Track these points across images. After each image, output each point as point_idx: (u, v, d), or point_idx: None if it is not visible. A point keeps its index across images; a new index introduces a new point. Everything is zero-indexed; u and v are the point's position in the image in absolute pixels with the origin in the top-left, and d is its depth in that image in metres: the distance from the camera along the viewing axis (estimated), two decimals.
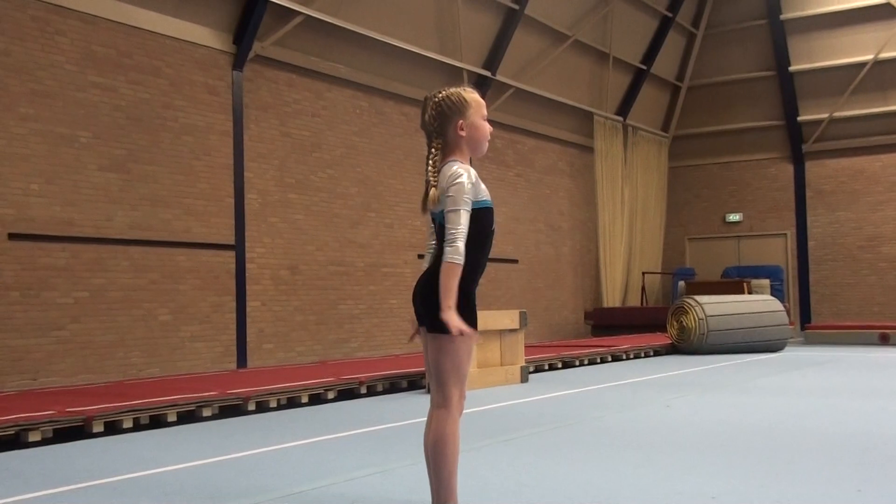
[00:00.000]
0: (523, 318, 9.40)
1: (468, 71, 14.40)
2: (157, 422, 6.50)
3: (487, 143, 3.49)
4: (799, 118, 19.35)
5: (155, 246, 9.53)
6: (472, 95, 3.39)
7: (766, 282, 17.38)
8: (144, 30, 9.61)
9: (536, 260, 16.61)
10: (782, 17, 19.24)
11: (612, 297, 18.24)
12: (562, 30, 16.32)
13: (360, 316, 12.35)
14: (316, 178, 11.76)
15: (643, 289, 19.17)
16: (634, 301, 18.94)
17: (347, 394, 8.15)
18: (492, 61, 14.90)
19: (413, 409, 7.23)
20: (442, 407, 3.29)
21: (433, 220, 3.46)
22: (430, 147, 3.38)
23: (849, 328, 15.90)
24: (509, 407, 7.34)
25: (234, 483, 4.37)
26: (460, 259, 3.17)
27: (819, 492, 3.90)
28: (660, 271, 20.19)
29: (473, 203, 3.27)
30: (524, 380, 9.26)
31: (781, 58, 19.32)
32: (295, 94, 11.54)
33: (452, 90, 3.39)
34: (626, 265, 18.85)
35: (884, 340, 14.96)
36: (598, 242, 18.16)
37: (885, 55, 18.28)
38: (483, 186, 3.36)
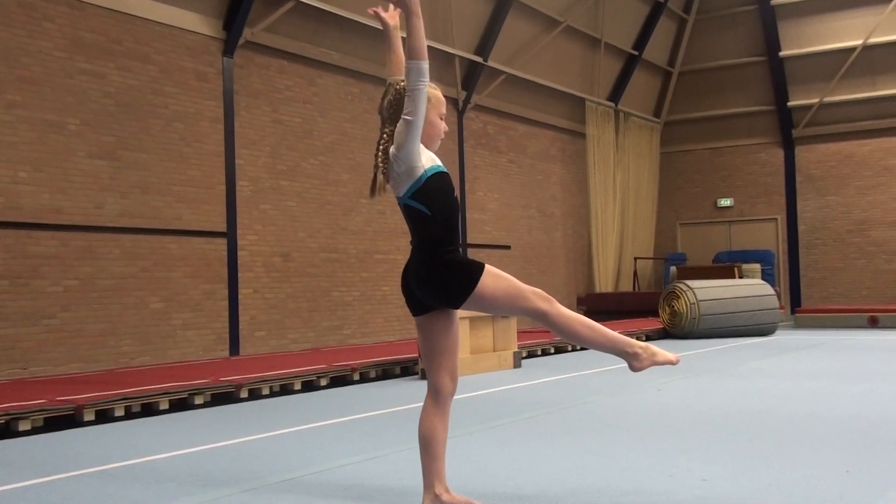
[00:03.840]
0: None
1: (460, 57, 14.36)
2: (149, 410, 6.51)
3: (440, 142, 3.50)
4: (789, 103, 19.36)
5: (146, 234, 9.50)
6: (433, 91, 3.36)
7: (757, 266, 17.43)
8: (133, 16, 9.54)
9: (529, 246, 16.62)
10: (772, 2, 19.20)
11: (604, 283, 18.27)
12: (553, 15, 16.27)
13: (353, 303, 12.35)
14: (308, 165, 11.73)
15: (635, 274, 19.22)
16: (626, 286, 18.98)
17: (340, 380, 8.17)
18: (484, 47, 14.85)
19: (406, 395, 7.24)
20: (543, 315, 3.30)
21: (401, 208, 3.41)
22: (382, 132, 3.36)
23: (838, 312, 15.97)
24: (502, 392, 7.36)
25: (226, 470, 4.38)
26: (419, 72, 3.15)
27: (808, 473, 3.92)
28: (652, 256, 20.24)
29: (427, 170, 3.29)
30: (517, 365, 9.29)
31: (772, 43, 19.31)
32: (286, 81, 11.49)
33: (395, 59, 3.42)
34: (618, 251, 18.89)
35: (872, 323, 15.04)
36: (591, 228, 18.18)
37: (873, 40, 18.28)
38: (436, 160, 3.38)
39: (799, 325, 16.15)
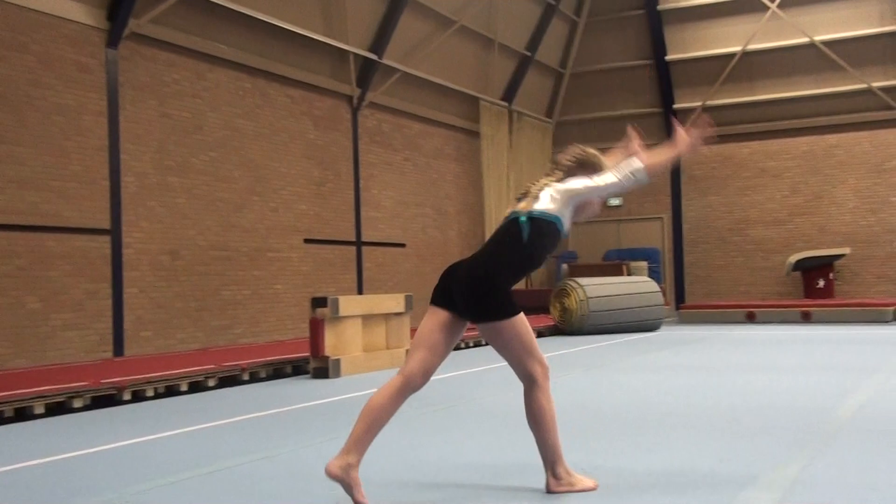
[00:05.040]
0: (409, 301, 9.45)
1: (354, 54, 14.29)
2: (23, 415, 6.24)
3: (587, 217, 3.89)
4: (675, 106, 20.05)
5: (22, 231, 9.09)
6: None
7: (644, 264, 17.99)
8: (9, 3, 9.12)
9: (423, 244, 16.69)
10: (659, 7, 19.85)
11: None
12: (448, 15, 16.38)
13: (244, 301, 12.14)
14: (197, 161, 11.46)
15: None
16: (519, 284, 19.24)
17: (229, 381, 8.02)
18: (379, 44, 14.82)
19: (297, 394, 7.17)
20: (531, 383, 3.53)
21: (512, 220, 3.65)
22: (552, 173, 3.80)
23: (719, 307, 16.64)
24: None
25: (103, 475, 4.24)
26: (635, 163, 3.69)
27: (684, 462, 4.08)
28: None
29: (561, 221, 3.64)
30: None
31: (658, 47, 19.96)
32: (175, 74, 11.19)
33: (599, 155, 3.87)
34: None
35: (750, 318, 15.73)
36: (485, 226, 18.38)
37: (752, 47, 19.12)
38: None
39: (683, 321, 16.75)
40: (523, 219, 3.58)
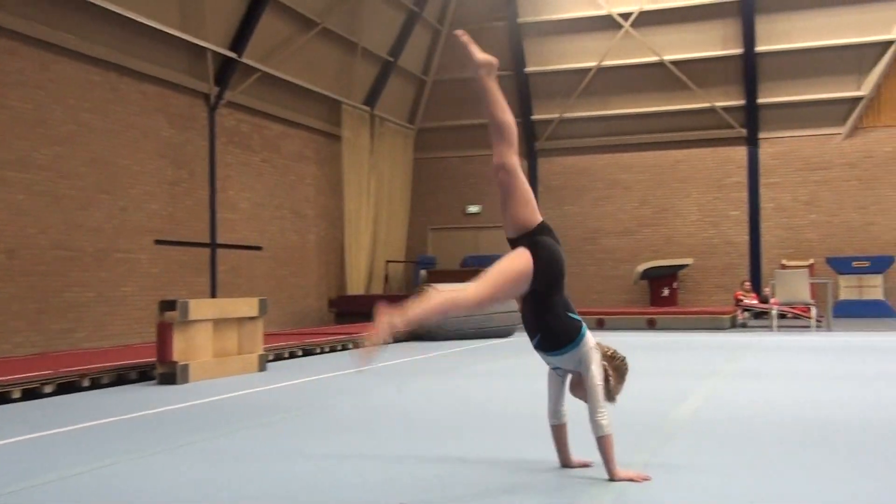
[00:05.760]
0: (262, 305, 9.28)
1: (212, 51, 13.94)
2: None
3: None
4: (533, 117, 20.58)
5: None
6: (625, 380, 4.07)
7: None
8: None
9: (281, 247, 16.44)
10: (519, 20, 20.36)
11: (356, 285, 18.45)
12: (310, 16, 16.23)
13: (89, 304, 11.61)
14: (39, 156, 10.89)
15: (386, 277, 19.58)
16: (378, 289, 19.29)
17: (68, 387, 7.63)
18: (239, 43, 14.51)
19: (141, 401, 6.91)
20: (470, 287, 3.71)
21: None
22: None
23: None
24: (244, 396, 7.23)
25: None
26: (607, 427, 3.85)
27: (527, 466, 4.19)
28: (403, 260, 20.71)
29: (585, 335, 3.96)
30: (262, 368, 9.15)
31: (518, 59, 20.45)
32: (16, 64, 10.60)
33: (626, 360, 4.08)
34: (370, 253, 19.15)
35: (600, 325, 16.30)
36: (344, 230, 18.29)
37: (606, 63, 19.89)
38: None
39: None
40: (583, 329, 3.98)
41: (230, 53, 14.32)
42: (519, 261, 3.80)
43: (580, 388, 3.98)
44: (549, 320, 3.87)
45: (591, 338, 3.97)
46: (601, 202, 20.27)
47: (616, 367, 4.01)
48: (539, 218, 3.95)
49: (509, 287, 3.79)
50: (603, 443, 3.83)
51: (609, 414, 3.86)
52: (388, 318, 3.49)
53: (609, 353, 4.02)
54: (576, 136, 20.47)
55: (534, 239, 3.87)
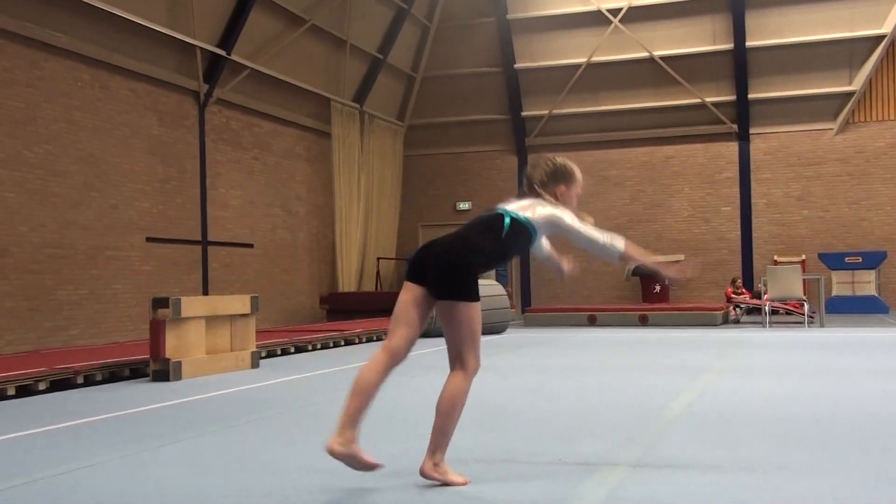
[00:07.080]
0: (254, 302, 9.29)
1: (202, 49, 13.92)
2: None
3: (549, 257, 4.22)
4: (523, 113, 20.61)
5: None
6: (580, 174, 4.11)
7: None
8: None
9: (272, 245, 16.43)
10: (508, 16, 20.37)
11: (347, 282, 18.46)
12: (299, 13, 16.21)
13: (82, 302, 11.59)
14: (31, 154, 10.87)
15: (378, 274, 19.58)
16: (369, 286, 19.30)
17: (62, 384, 7.63)
18: (227, 40, 14.50)
19: (133, 398, 6.91)
20: (460, 370, 3.68)
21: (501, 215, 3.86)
22: (527, 193, 4.03)
23: (563, 311, 17.20)
24: (237, 393, 7.23)
25: None
26: (619, 242, 3.79)
27: (526, 461, 4.22)
28: (394, 257, 20.72)
29: (529, 220, 3.83)
30: (255, 365, 9.16)
31: (507, 55, 20.47)
32: (5, 62, 10.58)
33: (568, 162, 4.09)
34: (361, 251, 19.15)
35: (592, 321, 16.35)
36: (335, 228, 18.29)
37: (596, 59, 19.93)
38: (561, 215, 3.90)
39: (528, 324, 17.20)
40: (507, 219, 3.81)
41: (219, 51, 14.30)
42: (476, 314, 3.70)
43: None
44: (487, 254, 3.75)
45: (535, 208, 3.87)
46: (591, 198, 20.30)
47: (567, 190, 4.04)
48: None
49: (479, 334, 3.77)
50: (628, 256, 3.84)
51: (599, 231, 3.86)
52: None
53: (550, 200, 3.96)
54: (566, 132, 20.50)
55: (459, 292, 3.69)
